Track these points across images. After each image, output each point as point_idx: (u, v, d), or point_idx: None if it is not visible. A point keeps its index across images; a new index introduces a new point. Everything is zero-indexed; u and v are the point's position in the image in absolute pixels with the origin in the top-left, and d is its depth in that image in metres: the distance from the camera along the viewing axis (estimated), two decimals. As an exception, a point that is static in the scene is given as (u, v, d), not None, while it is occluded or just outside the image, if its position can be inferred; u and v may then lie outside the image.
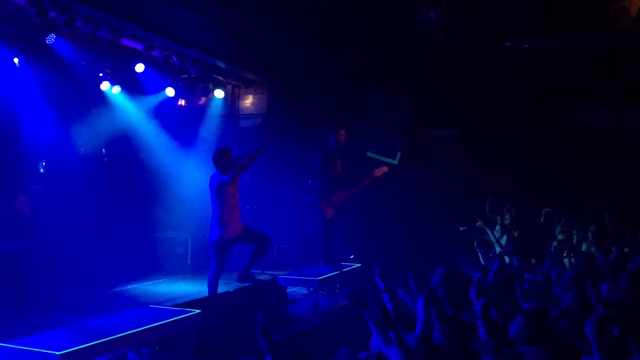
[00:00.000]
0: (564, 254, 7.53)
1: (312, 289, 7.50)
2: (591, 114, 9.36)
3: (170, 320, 5.15)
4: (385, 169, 8.48)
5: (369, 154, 9.09)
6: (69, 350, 4.14)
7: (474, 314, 4.61)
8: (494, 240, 9.08)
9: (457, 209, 9.36)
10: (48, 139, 9.36)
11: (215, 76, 10.93)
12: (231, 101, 11.65)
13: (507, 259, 8.61)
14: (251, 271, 7.25)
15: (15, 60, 8.85)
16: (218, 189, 6.76)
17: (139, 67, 9.59)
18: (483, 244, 8.38)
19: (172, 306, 5.76)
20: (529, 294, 5.38)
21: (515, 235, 8.94)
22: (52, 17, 7.46)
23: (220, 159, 6.86)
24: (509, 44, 8.87)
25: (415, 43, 8.96)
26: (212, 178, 6.90)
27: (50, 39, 8.14)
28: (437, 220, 9.40)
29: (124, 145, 10.57)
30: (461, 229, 8.55)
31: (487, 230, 8.84)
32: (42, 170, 9.04)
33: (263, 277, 8.47)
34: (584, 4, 7.61)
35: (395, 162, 9.06)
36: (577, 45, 8.55)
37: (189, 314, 5.37)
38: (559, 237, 8.46)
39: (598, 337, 3.48)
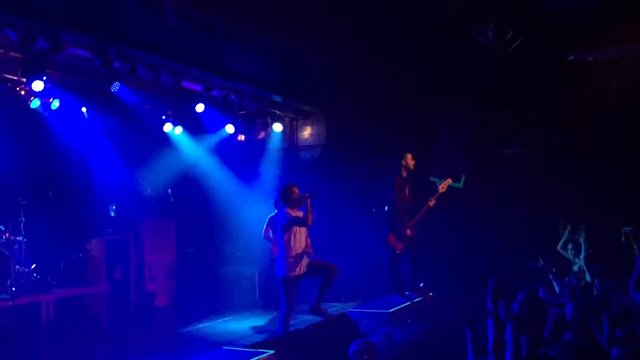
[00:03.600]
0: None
1: (383, 321, 7.33)
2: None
3: (245, 362, 5.12)
4: (450, 180, 8.22)
5: (432, 179, 8.89)
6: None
7: (563, 348, 4.37)
8: (571, 258, 8.70)
9: (527, 231, 9.02)
10: (117, 182, 9.69)
11: (272, 110, 11.06)
12: (290, 134, 11.74)
13: (588, 277, 8.22)
14: (322, 305, 7.17)
15: (84, 109, 9.24)
16: (287, 226, 6.73)
17: (199, 107, 9.80)
18: (559, 270, 8.04)
19: (246, 347, 5.73)
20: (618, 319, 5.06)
21: (591, 252, 8.55)
22: (116, 66, 7.74)
23: (289, 195, 6.81)
24: (572, 57, 8.56)
25: (475, 63, 8.77)
26: (281, 214, 6.87)
27: (115, 87, 8.42)
28: (507, 243, 9.08)
29: (188, 184, 10.82)
30: (541, 263, 8.21)
31: (564, 251, 8.50)
32: (112, 214, 9.31)
33: (332, 309, 8.38)
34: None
35: (460, 185, 8.81)
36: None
37: (263, 355, 5.33)
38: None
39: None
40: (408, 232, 7.90)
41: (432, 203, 8.06)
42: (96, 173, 9.60)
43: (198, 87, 9.25)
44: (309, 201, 6.60)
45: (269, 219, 9.20)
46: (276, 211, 9.20)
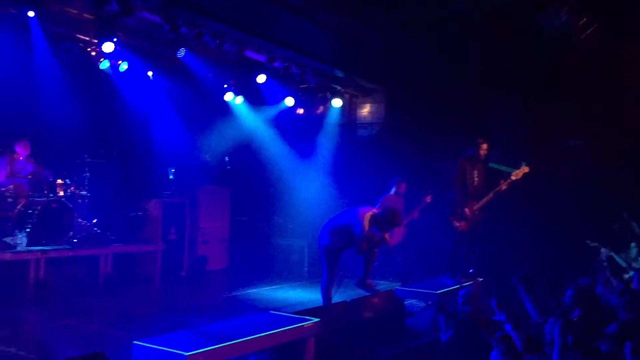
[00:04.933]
0: None
1: (430, 302, 7.27)
2: None
3: (290, 327, 5.18)
4: (526, 169, 7.97)
5: (492, 165, 8.69)
6: (196, 351, 4.29)
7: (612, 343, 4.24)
8: (623, 263, 8.37)
9: (588, 226, 8.72)
10: (176, 147, 9.94)
11: (333, 85, 11.05)
12: (348, 110, 11.71)
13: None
14: (371, 280, 7.17)
15: (149, 73, 9.47)
16: (357, 218, 6.64)
17: (261, 78, 9.90)
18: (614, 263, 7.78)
19: (292, 313, 5.81)
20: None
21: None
22: (183, 32, 7.89)
23: (388, 223, 6.61)
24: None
25: (543, 48, 8.48)
26: (359, 223, 6.62)
27: (181, 52, 8.59)
28: (565, 236, 8.82)
29: (245, 153, 10.99)
30: (592, 244, 7.92)
31: (613, 254, 8.18)
32: (171, 177, 9.57)
33: (379, 287, 8.39)
34: None
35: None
36: None
37: (308, 322, 5.38)
38: None
39: None
40: (467, 210, 7.77)
41: (503, 187, 7.85)
42: (158, 136, 9.87)
43: (261, 57, 9.32)
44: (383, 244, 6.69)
45: (381, 202, 8.75)
46: (391, 192, 8.96)
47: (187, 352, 4.25)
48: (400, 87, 10.91)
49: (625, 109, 8.83)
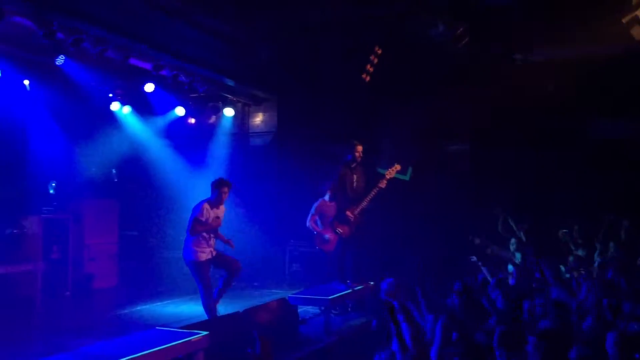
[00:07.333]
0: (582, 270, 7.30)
1: (323, 308, 7.33)
2: (607, 127, 9.20)
3: (176, 342, 5.02)
4: (398, 167, 8.19)
5: (379, 170, 8.94)
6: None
7: (488, 336, 4.46)
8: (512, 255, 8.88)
9: (471, 227, 9.18)
10: (57, 160, 9.38)
11: (224, 94, 10.93)
12: (241, 119, 11.62)
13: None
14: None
15: (26, 82, 8.90)
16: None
17: (149, 87, 9.60)
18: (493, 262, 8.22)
19: (179, 328, 5.63)
20: (544, 313, 5.20)
21: (530, 252, 8.76)
22: (60, 38, 7.47)
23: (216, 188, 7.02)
24: (519, 56, 8.73)
25: (429, 56, 8.87)
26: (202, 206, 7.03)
27: (60, 60, 8.15)
28: (450, 236, 9.23)
29: (134, 165, 10.59)
30: (472, 259, 8.28)
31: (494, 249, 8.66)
32: (52, 191, 9.02)
33: (274, 296, 8.37)
34: (594, 14, 7.46)
35: (407, 178, 8.88)
36: (589, 56, 8.38)
37: (197, 335, 5.25)
38: (579, 252, 8.24)
39: (619, 353, 3.29)
40: (349, 214, 7.91)
41: (381, 186, 8.01)
42: (36, 148, 9.27)
43: (147, 65, 9.01)
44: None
45: (316, 207, 8.60)
46: (325, 198, 8.67)
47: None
48: (292, 95, 10.99)
49: (502, 117, 9.40)
